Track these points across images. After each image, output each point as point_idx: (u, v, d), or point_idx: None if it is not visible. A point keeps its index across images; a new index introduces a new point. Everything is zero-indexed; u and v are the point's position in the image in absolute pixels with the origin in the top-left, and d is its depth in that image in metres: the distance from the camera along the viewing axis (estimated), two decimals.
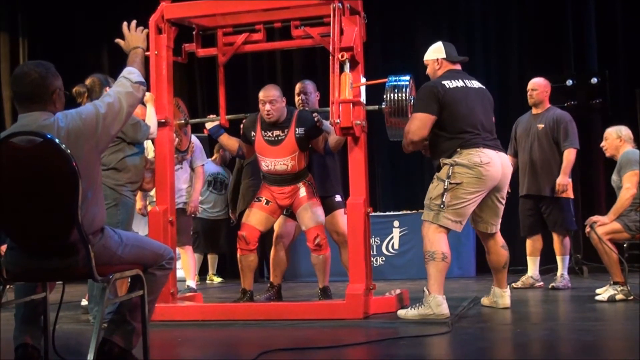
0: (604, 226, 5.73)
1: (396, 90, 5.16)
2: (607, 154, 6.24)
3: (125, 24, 3.83)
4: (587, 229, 5.85)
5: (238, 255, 5.88)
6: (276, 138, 5.73)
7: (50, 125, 3.20)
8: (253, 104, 5.99)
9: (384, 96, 5.20)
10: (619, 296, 5.57)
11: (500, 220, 5.29)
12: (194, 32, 5.94)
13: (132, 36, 3.80)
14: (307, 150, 5.80)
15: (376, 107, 5.30)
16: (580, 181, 8.50)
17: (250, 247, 5.80)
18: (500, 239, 5.34)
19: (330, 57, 5.05)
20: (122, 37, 3.83)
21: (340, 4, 5.13)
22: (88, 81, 5.25)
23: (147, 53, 5.36)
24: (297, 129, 5.70)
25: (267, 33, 5.84)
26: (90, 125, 3.27)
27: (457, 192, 4.91)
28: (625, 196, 5.78)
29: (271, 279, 6.14)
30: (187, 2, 5.65)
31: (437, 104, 5.00)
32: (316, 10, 5.49)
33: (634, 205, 5.83)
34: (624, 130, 6.10)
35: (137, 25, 3.84)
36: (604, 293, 5.69)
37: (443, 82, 5.09)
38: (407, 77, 5.23)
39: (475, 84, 5.27)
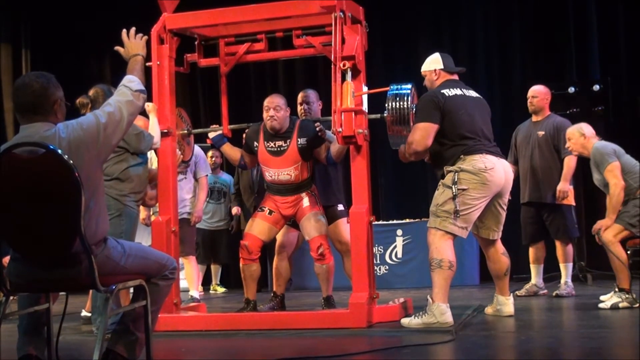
0: (611, 229, 5.70)
1: (398, 99, 5.17)
2: (575, 153, 6.29)
3: (124, 31, 3.83)
4: (597, 238, 5.83)
5: (241, 265, 5.88)
6: (279, 149, 5.74)
7: (51, 136, 3.21)
8: (255, 114, 6.00)
9: (386, 104, 5.20)
10: (623, 304, 5.54)
11: (502, 226, 5.29)
12: (195, 42, 5.95)
13: (132, 43, 3.80)
14: (310, 160, 5.81)
15: (378, 115, 5.31)
16: (583, 188, 8.48)
17: (252, 256, 5.80)
18: (500, 247, 5.34)
19: (332, 66, 5.06)
20: (123, 46, 3.83)
21: (341, 13, 5.13)
22: (91, 92, 5.25)
23: (148, 63, 5.38)
24: (299, 139, 5.71)
25: (269, 42, 5.86)
26: (92, 135, 3.28)
27: (463, 198, 4.92)
28: (615, 191, 5.73)
29: (274, 289, 6.13)
30: (189, 13, 5.66)
31: (438, 113, 5.01)
32: (318, 20, 5.50)
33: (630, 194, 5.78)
34: (585, 128, 6.10)
35: (138, 33, 3.84)
36: (607, 300, 5.66)
37: (442, 91, 5.11)
38: (409, 86, 5.24)
39: (473, 93, 5.30)
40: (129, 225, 5.10)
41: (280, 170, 5.76)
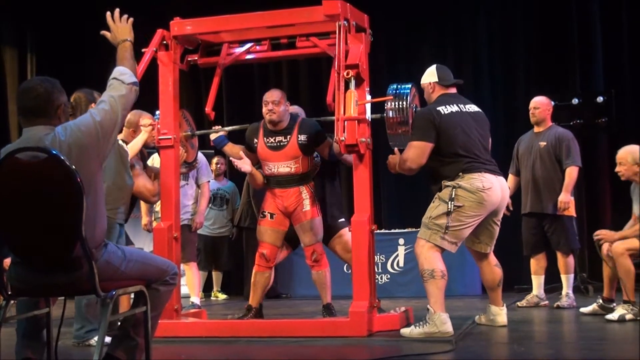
0: (625, 242, 5.65)
1: (397, 98, 5.16)
2: (624, 179, 6.03)
3: (108, 14, 3.68)
4: (597, 246, 5.82)
5: (254, 271, 5.86)
6: (278, 144, 5.74)
7: (52, 139, 3.21)
8: (258, 117, 5.98)
9: (385, 104, 5.19)
10: (629, 316, 5.52)
11: (495, 240, 5.31)
12: (199, 46, 5.95)
13: (118, 28, 3.66)
14: (311, 155, 5.81)
15: (379, 115, 5.30)
16: (586, 199, 8.47)
17: (270, 264, 5.83)
18: (493, 259, 5.36)
19: (336, 75, 5.06)
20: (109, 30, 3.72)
21: (345, 22, 5.14)
22: (73, 97, 5.11)
23: (144, 49, 5.37)
24: (299, 136, 5.71)
25: (272, 47, 5.88)
26: (90, 135, 3.27)
27: (458, 215, 4.92)
28: (619, 246, 5.59)
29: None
30: (194, 19, 5.67)
31: (434, 131, 5.01)
32: (322, 27, 5.52)
33: None
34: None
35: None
36: (614, 312, 5.60)
37: (438, 108, 5.09)
38: (409, 85, 5.23)
39: (471, 107, 5.26)
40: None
41: (281, 163, 5.76)
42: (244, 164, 5.81)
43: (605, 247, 5.80)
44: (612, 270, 5.80)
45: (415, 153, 5.02)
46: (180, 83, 5.78)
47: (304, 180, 5.81)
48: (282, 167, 5.76)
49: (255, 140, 5.83)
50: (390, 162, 5.26)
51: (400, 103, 5.15)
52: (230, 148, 6.03)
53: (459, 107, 5.17)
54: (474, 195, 4.95)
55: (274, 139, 5.76)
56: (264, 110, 5.74)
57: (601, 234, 5.87)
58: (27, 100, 3.32)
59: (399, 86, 5.23)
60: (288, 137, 5.73)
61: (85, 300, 4.77)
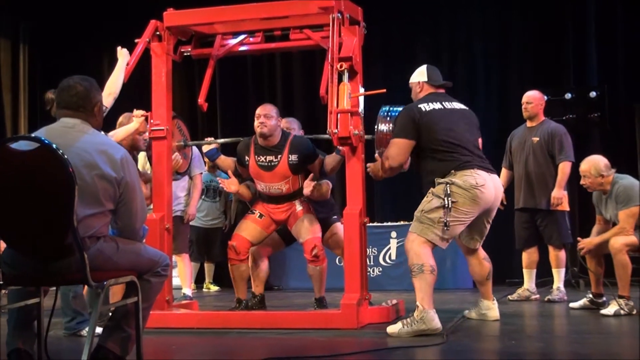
0: (624, 238, 5.65)
1: (389, 120, 5.16)
2: (590, 190, 6.08)
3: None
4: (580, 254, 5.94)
5: (229, 266, 5.88)
6: (269, 164, 5.74)
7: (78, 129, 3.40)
8: (251, 118, 5.97)
9: (375, 126, 5.18)
10: (623, 311, 5.53)
11: (484, 238, 5.32)
12: (193, 36, 5.94)
13: None
14: (302, 173, 5.80)
15: (371, 136, 5.29)
16: (578, 194, 8.49)
17: (240, 257, 5.82)
18: (482, 252, 5.37)
19: (329, 67, 5.05)
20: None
21: (339, 14, 5.14)
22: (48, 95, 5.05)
23: (137, 40, 5.45)
24: (290, 156, 5.71)
25: (266, 40, 5.87)
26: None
27: (452, 211, 4.85)
28: (617, 242, 5.61)
29: (253, 289, 6.09)
30: (188, 10, 5.67)
31: (414, 129, 4.95)
32: (316, 19, 5.51)
33: None
34: (603, 166, 5.87)
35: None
36: (609, 307, 5.61)
37: (420, 106, 5.05)
38: (400, 109, 5.18)
39: (456, 105, 5.21)
40: None
41: (272, 184, 5.78)
42: (231, 185, 5.95)
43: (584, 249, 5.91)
44: (594, 272, 5.92)
45: (395, 151, 4.97)
46: (173, 78, 5.77)
47: (297, 197, 5.84)
48: (274, 188, 5.80)
49: (247, 157, 5.83)
50: (372, 168, 5.25)
51: (389, 126, 5.14)
52: (222, 161, 6.06)
53: (442, 104, 5.10)
54: (467, 192, 4.88)
55: (265, 158, 5.75)
56: (256, 123, 5.73)
57: (585, 246, 5.89)
58: (67, 97, 3.49)
59: (390, 108, 5.22)
60: (279, 156, 5.73)
61: (72, 293, 4.78)
